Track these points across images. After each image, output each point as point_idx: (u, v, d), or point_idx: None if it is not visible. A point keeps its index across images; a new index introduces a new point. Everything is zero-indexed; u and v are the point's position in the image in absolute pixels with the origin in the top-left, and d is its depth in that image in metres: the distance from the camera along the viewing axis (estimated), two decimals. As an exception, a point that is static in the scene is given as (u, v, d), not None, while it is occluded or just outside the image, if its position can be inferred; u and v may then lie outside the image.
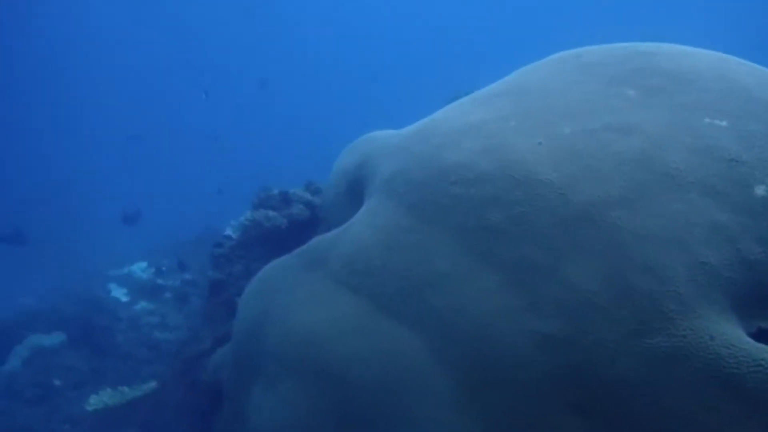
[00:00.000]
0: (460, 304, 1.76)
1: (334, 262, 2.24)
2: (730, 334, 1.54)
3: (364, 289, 2.03)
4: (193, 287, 7.73)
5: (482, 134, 2.12)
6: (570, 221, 1.73)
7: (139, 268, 8.33)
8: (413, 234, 2.00)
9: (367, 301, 1.99)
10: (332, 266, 2.23)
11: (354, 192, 2.86)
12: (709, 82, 2.11)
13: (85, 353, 6.48)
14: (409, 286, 1.90)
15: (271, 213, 3.54)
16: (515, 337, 1.65)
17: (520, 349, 1.63)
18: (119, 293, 7.79)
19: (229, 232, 4.46)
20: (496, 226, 1.83)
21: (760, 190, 1.76)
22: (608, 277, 1.61)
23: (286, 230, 3.57)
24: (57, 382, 5.95)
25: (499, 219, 1.83)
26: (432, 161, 2.15)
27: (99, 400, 4.34)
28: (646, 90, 2.11)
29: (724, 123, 1.93)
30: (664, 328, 1.51)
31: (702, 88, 2.07)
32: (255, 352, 2.33)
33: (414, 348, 1.79)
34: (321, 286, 2.22)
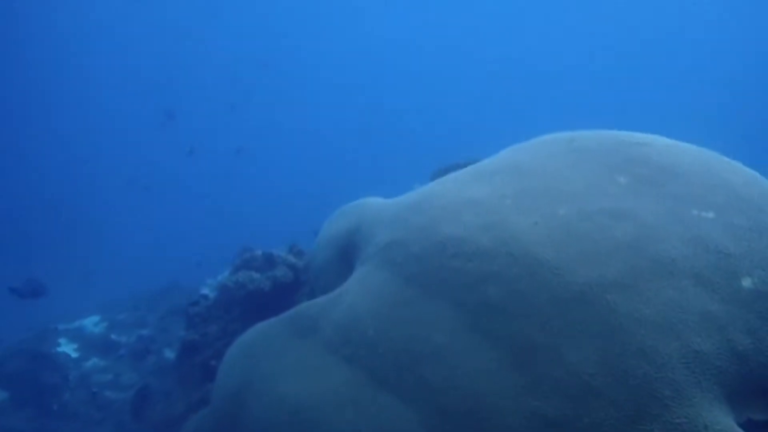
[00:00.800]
0: (458, 381, 1.76)
1: (327, 330, 2.22)
2: (723, 424, 1.56)
3: (359, 360, 2.01)
4: (150, 343, 7.49)
5: (480, 210, 2.18)
6: (567, 301, 1.77)
7: (91, 323, 8.05)
8: (411, 307, 2.01)
9: (361, 373, 1.97)
10: (324, 334, 2.22)
11: (344, 258, 2.87)
12: (695, 176, 2.22)
13: (29, 413, 6.13)
14: (405, 359, 1.89)
15: (255, 275, 3.51)
16: (512, 416, 1.64)
17: (515, 429, 1.62)
18: (69, 348, 7.45)
19: (205, 291, 4.41)
20: (494, 302, 1.85)
21: (746, 282, 1.83)
22: (604, 359, 1.64)
23: (270, 292, 3.54)
24: (-4, 446, 5.63)
25: (498, 295, 1.86)
26: (430, 233, 2.19)
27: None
28: (637, 178, 2.21)
29: (711, 215, 2.02)
30: (659, 415, 1.53)
31: (689, 182, 2.18)
32: (238, 421, 2.26)
33: (410, 424, 1.77)
34: (312, 354, 2.20)
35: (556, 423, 1.60)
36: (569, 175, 2.30)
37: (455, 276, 1.99)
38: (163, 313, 8.39)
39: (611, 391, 1.59)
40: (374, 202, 3.19)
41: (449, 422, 1.73)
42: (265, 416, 2.12)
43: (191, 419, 3.04)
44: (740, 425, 1.63)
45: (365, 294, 2.22)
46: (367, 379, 1.95)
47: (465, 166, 4.28)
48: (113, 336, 7.66)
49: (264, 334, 2.56)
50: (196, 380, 3.46)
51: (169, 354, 7.31)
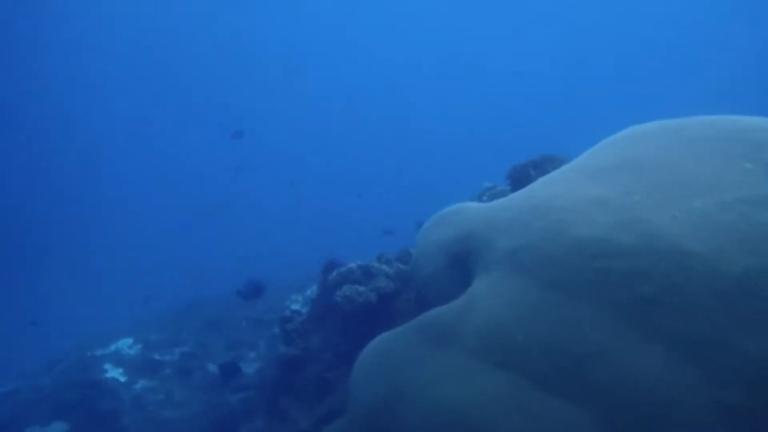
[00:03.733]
0: (628, 378, 1.81)
1: (469, 337, 2.29)
2: None
3: (513, 365, 2.08)
4: (192, 360, 7.63)
5: (611, 209, 2.22)
6: (727, 291, 1.81)
7: (126, 345, 8.15)
8: (559, 309, 2.07)
9: (519, 378, 2.04)
10: (467, 342, 2.28)
11: (457, 265, 2.94)
12: (820, 153, 2.23)
13: (92, 441, 6.29)
14: (566, 361, 1.95)
15: (360, 288, 3.61)
16: (696, 408, 1.69)
17: (703, 420, 1.67)
18: (116, 373, 7.59)
19: (296, 306, 4.52)
20: (650, 298, 1.90)
21: None
22: (782, 346, 1.67)
23: (376, 303, 3.63)
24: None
25: (652, 291, 1.91)
26: (563, 236, 2.24)
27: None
28: (763, 163, 2.23)
29: None
30: None
31: (817, 160, 2.19)
32: (390, 430, 2.34)
33: (584, 425, 1.83)
34: (458, 361, 2.26)
35: (742, 411, 1.64)
36: (690, 166, 2.33)
37: (601, 276, 2.04)
38: (196, 330, 8.56)
39: (795, 376, 1.63)
40: (474, 207, 3.25)
41: (625, 420, 1.78)
42: (424, 424, 2.19)
43: (325, 432, 3.14)
44: None
45: (502, 300, 2.28)
46: (527, 383, 2.01)
47: (541, 163, 4.33)
48: (156, 356, 7.80)
49: (395, 344, 2.64)
50: (310, 395, 3.57)
51: (213, 368, 7.52)
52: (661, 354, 1.81)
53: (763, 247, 1.88)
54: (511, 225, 2.56)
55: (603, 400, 1.84)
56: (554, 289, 2.13)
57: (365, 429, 2.55)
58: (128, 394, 7.04)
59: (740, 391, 1.66)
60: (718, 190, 2.14)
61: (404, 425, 2.28)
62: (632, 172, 2.41)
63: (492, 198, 4.22)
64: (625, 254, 2.03)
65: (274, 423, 3.73)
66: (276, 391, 4.06)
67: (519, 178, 4.22)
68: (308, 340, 4.09)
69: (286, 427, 3.52)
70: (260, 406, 4.66)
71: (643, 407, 1.77)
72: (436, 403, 2.20)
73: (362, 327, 3.64)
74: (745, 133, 2.45)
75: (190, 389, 7.37)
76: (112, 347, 8.07)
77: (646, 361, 1.82)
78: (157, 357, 7.79)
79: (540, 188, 2.74)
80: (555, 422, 1.88)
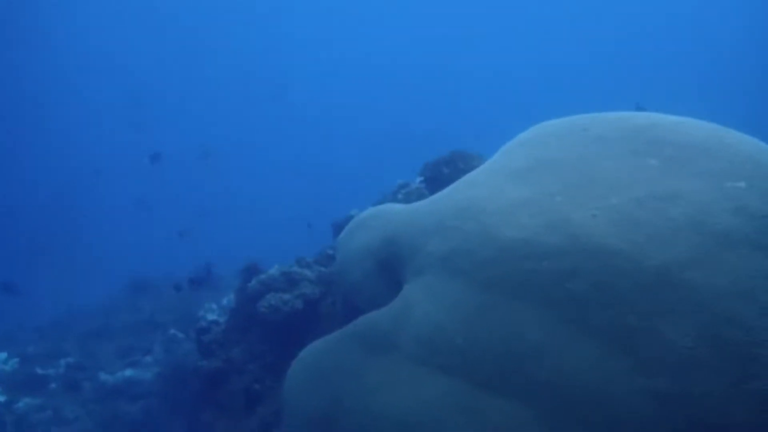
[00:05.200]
0: (566, 372, 1.91)
1: (408, 343, 2.32)
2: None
3: (454, 368, 2.13)
4: (80, 371, 7.25)
5: (535, 210, 2.32)
6: (650, 285, 1.95)
7: (0, 360, 7.65)
8: (495, 310, 2.14)
9: (461, 380, 2.09)
10: (407, 348, 2.31)
11: (385, 270, 2.96)
12: (715, 150, 2.44)
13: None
14: (507, 360, 2.02)
15: (285, 296, 3.54)
16: (629, 397, 1.81)
17: (637, 409, 1.79)
18: None
19: (213, 316, 4.37)
20: (580, 295, 2.01)
21: (790, 241, 2.06)
22: (700, 333, 1.83)
23: (302, 311, 3.58)
24: None
25: (582, 289, 2.02)
26: (491, 238, 2.32)
27: None
28: (665, 160, 2.41)
29: (743, 184, 2.25)
30: (764, 373, 1.74)
31: (713, 156, 2.40)
32: (334, 443, 2.33)
33: (528, 422, 1.91)
34: (398, 368, 2.29)
35: (669, 397, 1.78)
36: (603, 164, 2.48)
37: (533, 276, 2.13)
38: (79, 338, 8.17)
39: (713, 359, 1.78)
40: (395, 210, 3.28)
41: (566, 413, 1.88)
42: (370, 436, 2.20)
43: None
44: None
45: (439, 303, 2.33)
46: (469, 385, 2.07)
47: (452, 161, 4.44)
48: (38, 370, 7.30)
49: (331, 354, 2.63)
50: (237, 407, 3.48)
51: (107, 378, 7.19)
52: (595, 348, 1.92)
53: (676, 241, 2.04)
54: (439, 228, 2.61)
55: (544, 396, 1.93)
56: (489, 290, 2.20)
57: (306, 443, 2.53)
58: (10, 415, 6.54)
59: (667, 378, 1.80)
60: (630, 186, 2.29)
61: (349, 437, 2.28)
62: (549, 173, 2.53)
63: (407, 197, 4.28)
64: (553, 255, 2.14)
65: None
66: (196, 405, 3.92)
67: (433, 177, 4.31)
68: (229, 351, 3.97)
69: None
70: (166, 414, 4.48)
71: (582, 400, 1.87)
72: (380, 413, 2.21)
73: (289, 336, 3.59)
74: (646, 131, 2.64)
75: (81, 403, 6.96)
76: (-17, 365, 7.44)
77: (582, 356, 1.93)
78: (39, 371, 7.26)
79: (463, 190, 2.81)
80: (500, 422, 1.95)
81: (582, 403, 1.87)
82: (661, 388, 1.80)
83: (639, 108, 3.77)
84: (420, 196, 4.16)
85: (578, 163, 2.53)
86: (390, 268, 2.91)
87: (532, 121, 3.31)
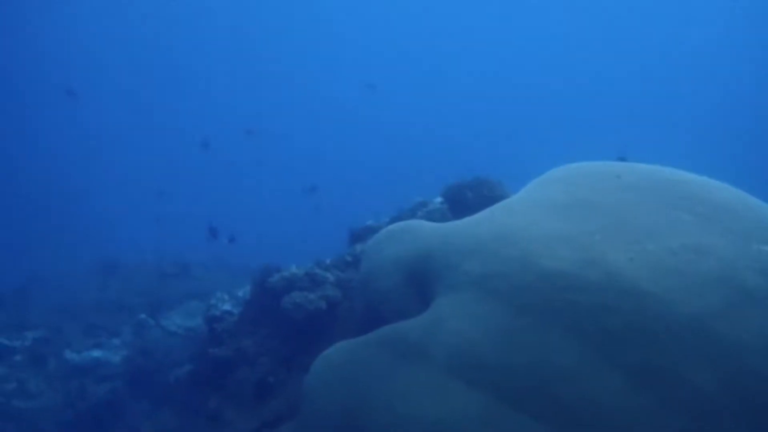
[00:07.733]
0: (592, 400, 2.06)
1: (439, 355, 2.45)
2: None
3: (483, 384, 2.26)
4: (46, 345, 7.22)
5: (575, 246, 2.48)
6: (681, 330, 2.10)
7: None
8: (529, 333, 2.28)
9: (489, 395, 2.23)
10: (437, 359, 2.44)
11: (414, 282, 3.10)
12: (742, 211, 2.63)
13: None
14: (535, 381, 2.17)
15: (310, 295, 3.66)
16: (650, 431, 1.96)
17: (658, 441, 1.94)
18: None
19: (227, 307, 4.48)
20: (614, 331, 2.16)
21: (808, 306, 2.24)
22: (723, 381, 1.99)
23: (325, 311, 3.70)
24: None
25: (616, 325, 2.17)
26: (533, 266, 2.47)
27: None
28: (698, 216, 2.59)
29: (767, 248, 2.43)
30: (778, 424, 1.90)
31: (740, 217, 2.59)
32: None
33: (553, 439, 2.05)
34: (428, 376, 2.42)
35: (689, 434, 1.93)
36: (638, 212, 2.65)
37: (570, 307, 2.28)
38: (44, 312, 8.12)
39: (733, 406, 1.94)
40: (427, 227, 3.42)
41: (590, 437, 2.03)
42: (396, 437, 2.32)
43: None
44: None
45: (473, 321, 2.47)
46: (496, 401, 2.21)
47: (477, 186, 4.60)
48: (3, 340, 7.28)
49: (359, 355, 2.75)
50: (247, 397, 3.57)
51: (72, 356, 7.20)
52: (623, 381, 2.07)
53: (705, 292, 2.20)
54: (477, 250, 2.76)
55: (568, 419, 2.07)
56: (525, 314, 2.35)
57: (327, 437, 2.64)
58: (-26, 383, 6.53)
59: (688, 419, 1.96)
60: (665, 236, 2.46)
61: (373, 435, 2.40)
62: (587, 212, 2.70)
63: (429, 215, 4.43)
64: (590, 289, 2.29)
65: (206, 424, 3.69)
66: (204, 391, 4.01)
67: (456, 199, 4.46)
68: (240, 341, 4.08)
69: (222, 428, 3.51)
70: (129, 398, 4.53)
71: (605, 426, 2.02)
72: (406, 415, 2.33)
73: (305, 334, 3.70)
74: (677, 186, 2.82)
75: (46, 378, 6.90)
76: (-55, 334, 7.38)
77: (609, 387, 2.07)
78: (4, 341, 7.22)
79: (501, 217, 2.96)
80: (527, 438, 2.09)
81: (604, 429, 2.01)
82: (681, 427, 1.95)
83: (621, 158, 3.98)
84: (443, 217, 4.31)
85: (615, 207, 2.70)
86: (419, 281, 3.05)
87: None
